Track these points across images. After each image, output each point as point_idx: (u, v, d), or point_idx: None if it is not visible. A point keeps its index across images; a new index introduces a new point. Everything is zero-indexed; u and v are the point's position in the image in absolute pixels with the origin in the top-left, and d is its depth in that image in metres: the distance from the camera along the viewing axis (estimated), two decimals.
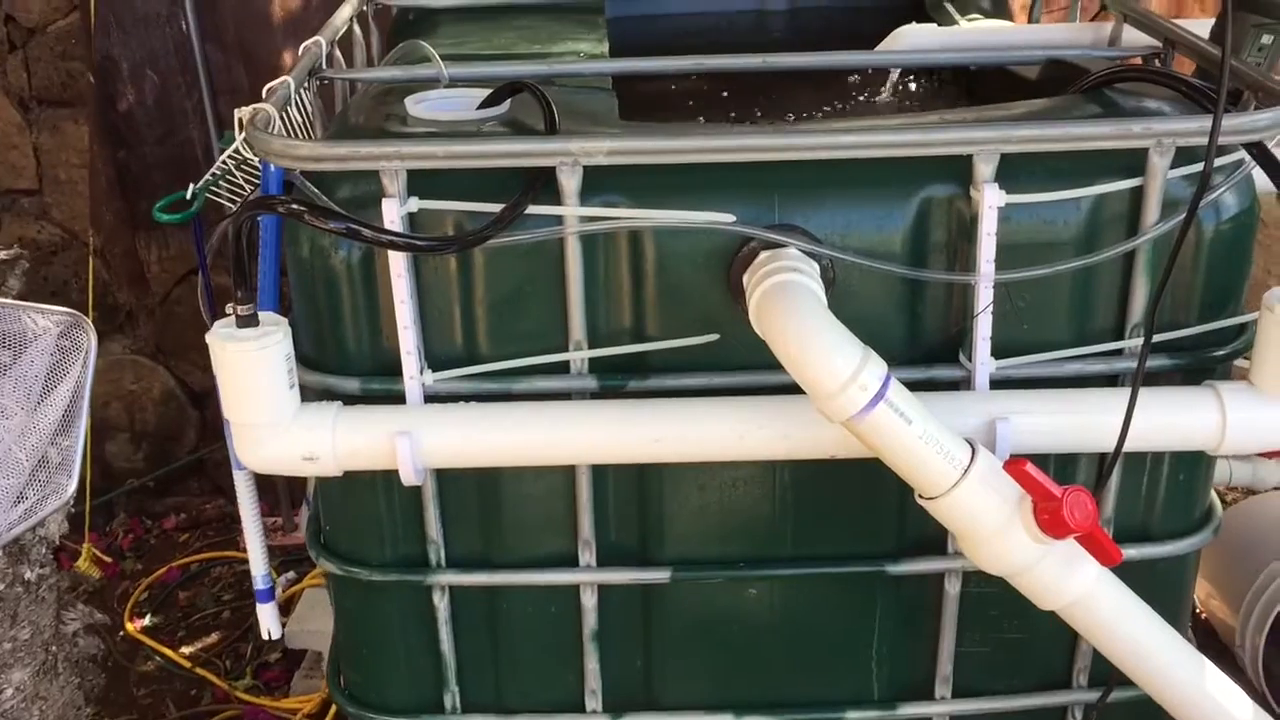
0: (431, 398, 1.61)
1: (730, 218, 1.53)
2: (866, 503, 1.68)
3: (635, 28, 2.64)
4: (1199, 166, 1.55)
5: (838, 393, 1.38)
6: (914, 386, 1.56)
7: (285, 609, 3.04)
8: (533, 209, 1.53)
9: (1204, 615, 3.07)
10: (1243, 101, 1.68)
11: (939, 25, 2.32)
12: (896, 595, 1.76)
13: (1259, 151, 1.53)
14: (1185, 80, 1.64)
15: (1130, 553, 1.72)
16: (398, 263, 1.53)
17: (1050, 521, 1.37)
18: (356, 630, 1.85)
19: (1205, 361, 1.64)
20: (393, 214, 1.52)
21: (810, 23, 2.71)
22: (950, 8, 2.41)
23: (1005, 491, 1.41)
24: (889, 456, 1.43)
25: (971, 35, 2.17)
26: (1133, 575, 1.67)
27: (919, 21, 2.40)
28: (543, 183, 1.53)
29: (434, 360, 1.61)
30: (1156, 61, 1.95)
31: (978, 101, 2.14)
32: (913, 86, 2.27)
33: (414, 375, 1.59)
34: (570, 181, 1.52)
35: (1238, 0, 1.82)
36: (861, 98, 2.24)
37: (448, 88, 1.85)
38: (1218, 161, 1.57)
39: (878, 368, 1.39)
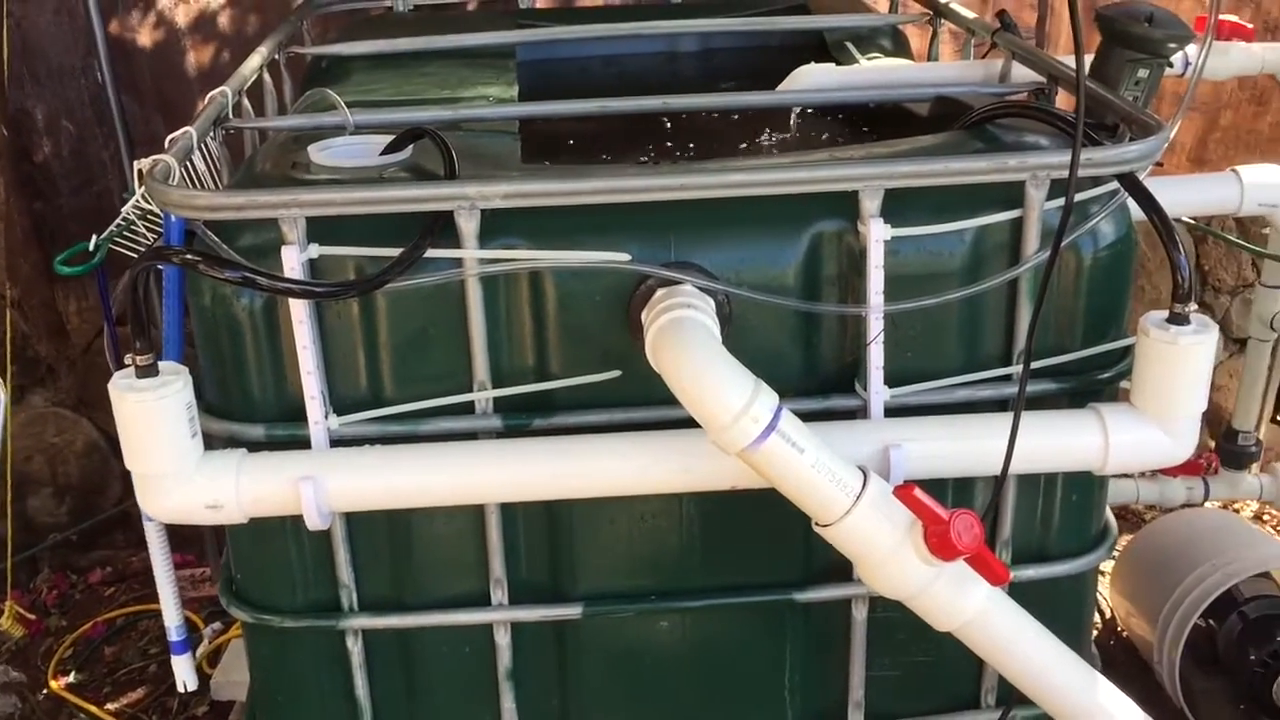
0: (337, 442, 1.62)
1: (626, 257, 1.57)
2: (772, 532, 1.72)
3: (547, 71, 2.69)
4: (1076, 197, 1.62)
5: (730, 425, 1.41)
6: (811, 416, 1.61)
7: (214, 659, 3.01)
8: (432, 252, 1.56)
9: (1125, 633, 3.14)
10: (1119, 134, 1.76)
11: (839, 64, 2.39)
12: (806, 623, 1.80)
13: (1129, 182, 1.60)
14: (1060, 115, 1.71)
15: (1028, 573, 1.77)
16: (298, 309, 1.55)
17: (939, 544, 1.41)
18: (271, 678, 1.85)
19: (1090, 385, 1.70)
20: (293, 261, 1.53)
21: (720, 63, 2.77)
22: (852, 48, 2.48)
23: (896, 517, 1.45)
24: (784, 486, 1.46)
25: (868, 74, 2.24)
26: (1032, 595, 1.73)
27: (823, 61, 2.48)
28: (441, 226, 1.56)
29: (339, 404, 1.63)
30: (1043, 97, 2.03)
31: (877, 138, 2.21)
32: (816, 124, 2.33)
33: (319, 420, 1.60)
34: (468, 224, 1.55)
35: (1113, 37, 1.90)
36: (766, 136, 2.30)
37: (353, 134, 1.88)
38: (1094, 192, 1.65)
39: (769, 399, 1.43)
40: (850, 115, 2.35)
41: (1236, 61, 2.32)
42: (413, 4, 2.93)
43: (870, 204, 1.58)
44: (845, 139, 2.25)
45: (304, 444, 1.61)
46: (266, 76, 2.27)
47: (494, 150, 1.85)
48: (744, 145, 2.27)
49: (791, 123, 2.27)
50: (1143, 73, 1.90)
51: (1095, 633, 2.62)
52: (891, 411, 1.66)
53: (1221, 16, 2.30)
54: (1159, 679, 2.87)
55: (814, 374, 1.68)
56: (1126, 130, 1.72)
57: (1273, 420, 2.93)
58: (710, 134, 2.30)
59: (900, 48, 2.57)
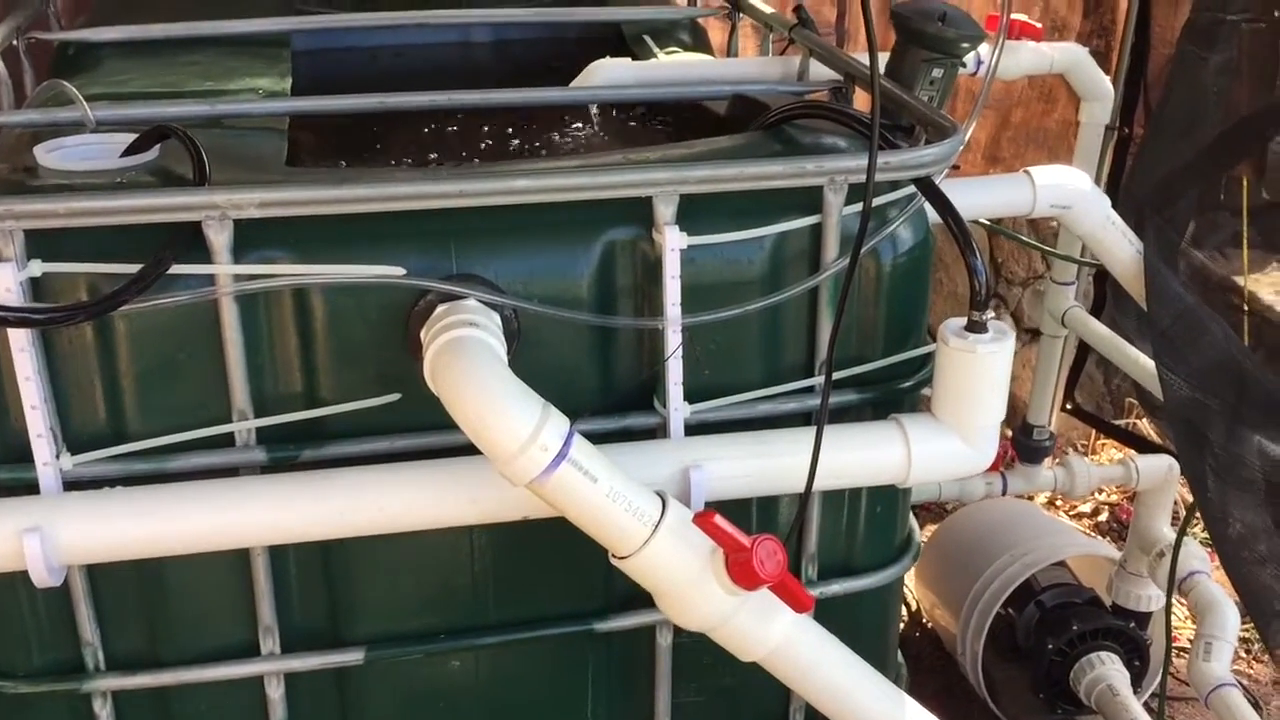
0: (74, 484, 1.43)
1: (400, 271, 1.43)
2: (568, 561, 1.61)
3: (328, 62, 2.50)
4: (875, 201, 1.57)
5: (517, 455, 1.30)
6: (608, 437, 1.51)
7: None
8: (179, 268, 1.38)
9: (930, 624, 3.19)
10: (915, 136, 1.72)
11: (636, 59, 2.30)
12: (608, 653, 1.70)
13: (926, 186, 1.56)
14: (856, 116, 1.65)
15: (833, 588, 1.72)
16: (18, 337, 1.35)
17: (741, 572, 1.33)
18: None
19: (892, 394, 1.66)
20: (9, 281, 1.33)
21: (516, 55, 2.63)
22: (650, 42, 2.39)
23: (697, 545, 1.36)
24: (577, 518, 1.36)
25: (664, 70, 2.15)
26: (837, 608, 1.68)
27: (621, 55, 2.39)
28: (189, 239, 1.39)
29: (75, 441, 1.43)
30: (841, 96, 1.98)
31: (676, 137, 2.13)
32: (612, 123, 2.23)
33: (47, 461, 1.40)
34: (219, 237, 1.38)
35: (909, 35, 1.86)
36: (560, 135, 2.19)
37: (94, 132, 1.66)
38: (891, 196, 1.60)
39: (559, 425, 1.32)
40: (648, 114, 2.26)
41: (1027, 61, 2.34)
42: None
43: (664, 210, 1.48)
44: (642, 139, 2.16)
45: (32, 488, 1.41)
46: (0, 66, 2.02)
47: (256, 151, 1.67)
48: (537, 144, 2.15)
49: (587, 121, 2.16)
50: (937, 72, 1.87)
51: (901, 624, 2.65)
52: (693, 429, 1.57)
53: (1012, 16, 2.32)
54: (962, 670, 2.92)
55: (611, 391, 1.58)
56: (923, 132, 1.68)
57: (1062, 409, 3.01)
58: (502, 133, 2.17)
59: (699, 42, 2.49)
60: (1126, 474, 2.66)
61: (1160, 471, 2.65)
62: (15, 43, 2.16)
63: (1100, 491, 3.75)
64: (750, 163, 1.49)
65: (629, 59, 2.15)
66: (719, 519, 1.35)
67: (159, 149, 1.57)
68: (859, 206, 1.56)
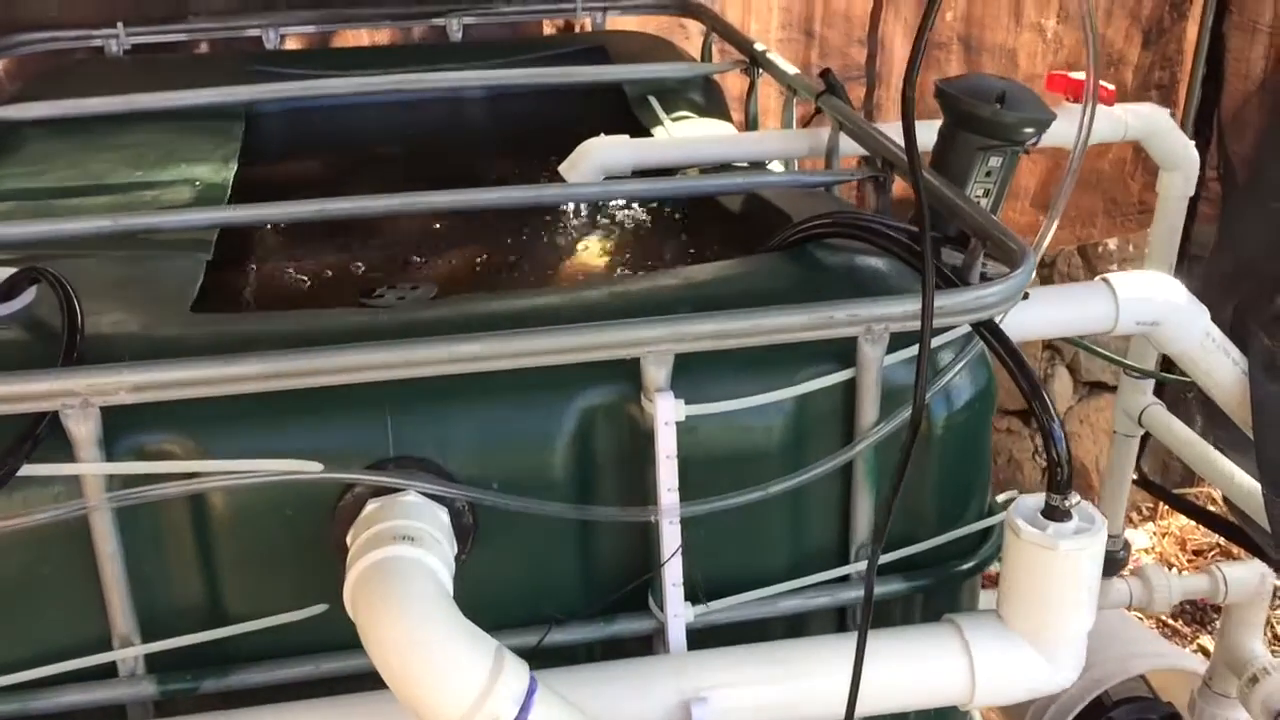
0: None
1: (316, 467, 1.12)
2: None
3: (299, 123, 2.21)
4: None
5: None
6: (590, 652, 1.20)
7: None
8: (31, 469, 1.08)
9: None
10: (970, 250, 1.39)
11: (642, 123, 1.98)
12: None
13: (990, 331, 1.23)
14: (902, 242, 1.32)
15: None
16: None
17: None
18: None
19: (948, 580, 1.33)
20: None
21: (506, 110, 2.33)
22: (656, 105, 2.07)
23: None
24: None
25: (670, 149, 1.83)
26: None
27: (624, 113, 2.07)
28: (45, 430, 1.09)
29: None
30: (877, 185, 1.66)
31: (683, 229, 1.81)
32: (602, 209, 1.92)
33: None
34: (81, 428, 1.08)
35: (960, 119, 1.54)
36: (550, 221, 1.87)
37: None
38: (946, 338, 1.28)
39: (514, 684, 1.01)
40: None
41: (1099, 128, 1.99)
42: (129, 43, 2.39)
43: (656, 374, 1.16)
44: (644, 228, 1.84)
45: None
46: None
47: (162, 283, 1.37)
48: (521, 237, 1.84)
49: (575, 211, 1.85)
50: (995, 161, 1.55)
51: None
52: (697, 634, 1.25)
53: (1080, 76, 1.98)
54: None
55: (593, 586, 1.26)
56: (979, 245, 1.36)
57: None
58: (480, 219, 1.86)
59: (712, 102, 2.17)
60: (1213, 586, 2.32)
61: (1252, 583, 2.30)
62: None
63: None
64: (766, 313, 1.16)
65: (625, 137, 1.82)
66: None
67: (33, 292, 1.27)
68: (902, 355, 1.24)
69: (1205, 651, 3.31)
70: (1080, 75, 1.98)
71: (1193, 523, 3.63)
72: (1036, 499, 1.22)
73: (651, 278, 1.38)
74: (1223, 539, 3.47)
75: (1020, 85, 1.53)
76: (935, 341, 1.26)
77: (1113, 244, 3.76)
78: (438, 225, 1.86)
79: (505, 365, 1.14)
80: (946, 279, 1.28)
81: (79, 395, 1.06)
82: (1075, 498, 1.19)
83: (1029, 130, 1.50)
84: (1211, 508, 3.11)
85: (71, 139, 1.89)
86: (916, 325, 1.19)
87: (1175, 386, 2.25)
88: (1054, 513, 1.19)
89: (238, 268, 1.75)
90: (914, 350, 1.25)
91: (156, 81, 2.04)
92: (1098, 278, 1.62)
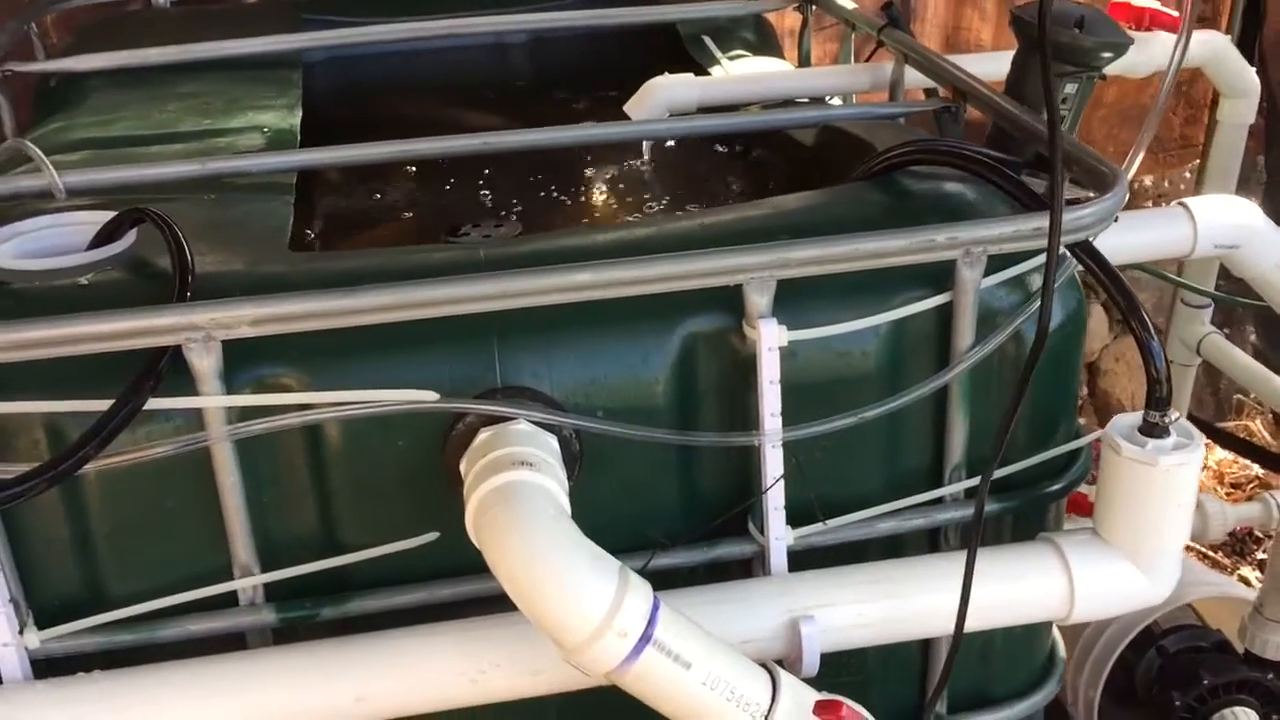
0: (45, 665, 1.16)
1: (432, 396, 1.14)
2: None
3: (347, 68, 2.21)
4: (1018, 269, 1.26)
5: (588, 643, 1.02)
6: (694, 576, 1.23)
7: None
8: (157, 403, 1.10)
9: None
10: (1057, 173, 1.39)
11: (698, 63, 1.98)
12: None
13: (1087, 252, 1.24)
14: (989, 165, 1.33)
15: None
16: None
17: None
18: None
19: (1037, 501, 1.35)
20: None
21: (554, 58, 2.33)
22: (710, 44, 2.07)
23: None
24: (667, 709, 1.07)
25: (734, 85, 1.84)
26: None
27: (673, 51, 2.07)
28: (168, 365, 1.11)
29: (45, 611, 1.17)
30: (947, 115, 1.66)
31: (749, 169, 1.82)
32: (677, 147, 1.92)
33: (8, 641, 1.13)
34: (204, 361, 1.10)
35: (1031, 45, 1.53)
36: (616, 165, 1.88)
37: (63, 208, 1.38)
38: (1035, 262, 1.28)
39: (640, 602, 1.03)
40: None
41: (1160, 55, 1.99)
42: None
43: (759, 300, 1.18)
44: (710, 171, 1.85)
45: None
46: None
47: (257, 224, 1.38)
48: (590, 176, 1.85)
49: (645, 151, 1.86)
50: (1070, 88, 1.55)
51: None
52: (797, 557, 1.28)
53: (1142, 2, 1.97)
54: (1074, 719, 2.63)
55: (695, 513, 1.29)
56: (1064, 171, 1.36)
57: None
58: (549, 159, 1.87)
59: (765, 41, 2.17)
60: (1266, 513, 2.34)
61: None
62: None
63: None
64: (865, 237, 1.18)
65: (690, 75, 1.83)
66: (847, 710, 1.06)
67: (135, 234, 1.28)
68: (999, 278, 1.25)
69: (1246, 581, 3.34)
70: (1145, 3, 1.97)
71: (1230, 456, 3.64)
72: (1133, 417, 1.24)
73: (740, 208, 1.39)
74: (1262, 471, 3.49)
75: (1096, 10, 1.53)
76: (1025, 265, 1.28)
77: (1148, 180, 3.75)
78: (500, 166, 1.87)
79: (615, 293, 1.15)
80: (1036, 202, 1.29)
81: (202, 329, 1.08)
82: (1174, 414, 1.21)
83: (1107, 55, 1.50)
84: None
85: (133, 89, 1.90)
86: (1015, 247, 1.21)
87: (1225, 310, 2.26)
88: (1153, 429, 1.21)
89: (310, 209, 1.77)
90: (1006, 274, 1.26)
91: (208, 32, 2.04)
92: (1174, 202, 1.63)
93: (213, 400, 1.11)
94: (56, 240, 1.29)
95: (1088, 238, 1.23)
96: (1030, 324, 1.28)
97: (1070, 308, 1.31)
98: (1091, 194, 1.27)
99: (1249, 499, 3.44)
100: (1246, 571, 3.47)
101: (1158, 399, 1.20)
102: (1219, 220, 1.61)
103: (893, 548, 1.33)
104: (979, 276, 1.22)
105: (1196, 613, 2.60)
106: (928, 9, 3.26)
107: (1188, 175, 3.47)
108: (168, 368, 1.10)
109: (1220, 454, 3.73)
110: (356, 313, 1.11)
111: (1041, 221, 1.19)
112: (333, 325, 1.11)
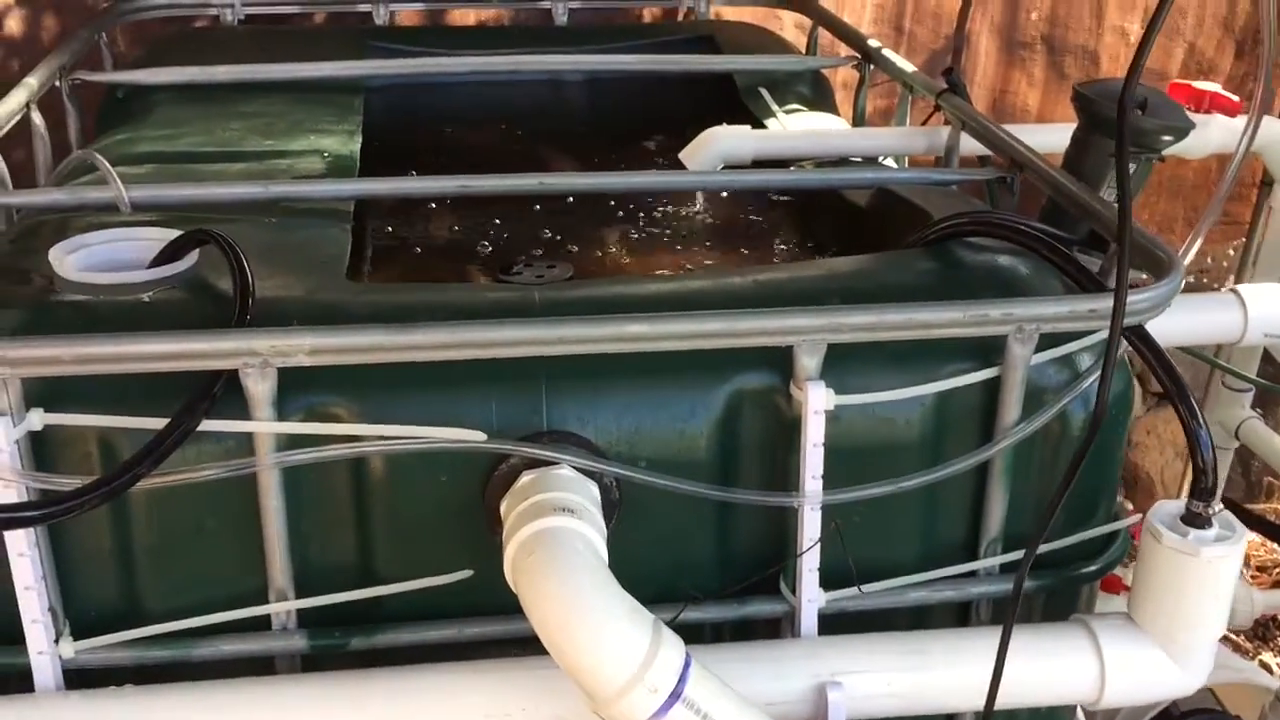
0: (77, 675, 1.17)
1: (480, 436, 1.15)
2: None
3: (408, 99, 2.24)
4: (1069, 348, 1.26)
5: (618, 696, 1.02)
6: (723, 632, 1.23)
7: None
8: (210, 425, 1.12)
9: None
10: (1110, 255, 1.40)
11: (754, 114, 2.00)
12: None
13: (1138, 335, 1.24)
14: (1046, 241, 1.34)
15: None
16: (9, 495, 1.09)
17: None
18: None
19: (1073, 582, 1.35)
20: (3, 439, 1.08)
21: (610, 98, 2.35)
22: (767, 96, 2.09)
23: None
24: None
25: (791, 141, 1.85)
26: None
27: (729, 101, 2.09)
28: (222, 388, 1.12)
29: (81, 621, 1.18)
30: (1003, 186, 1.67)
31: (803, 220, 1.83)
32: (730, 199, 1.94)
33: (44, 649, 1.15)
34: (259, 387, 1.12)
35: (1096, 123, 1.54)
36: (666, 209, 1.89)
37: (127, 223, 1.41)
38: (1085, 342, 1.29)
39: (674, 658, 1.03)
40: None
41: (1217, 138, 1.99)
42: (244, 14, 2.43)
43: (808, 363, 1.19)
44: (763, 217, 1.86)
45: (24, 679, 1.16)
46: (35, 116, 1.78)
47: (315, 250, 1.40)
48: (642, 218, 1.86)
49: (699, 200, 1.87)
50: (1130, 167, 1.55)
51: None
52: (827, 619, 1.27)
53: (1205, 88, 1.98)
54: None
55: (728, 568, 1.29)
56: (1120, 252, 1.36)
57: None
58: (602, 204, 1.88)
59: (820, 95, 2.19)
60: None
61: None
62: (58, 83, 1.92)
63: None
64: (920, 308, 1.18)
65: (747, 128, 1.84)
66: None
67: (197, 253, 1.31)
68: (1049, 354, 1.26)
69: (1266, 667, 3.30)
70: (1205, 86, 1.97)
71: (1257, 538, 3.60)
72: (1175, 505, 1.23)
73: (794, 267, 1.40)
74: None
75: (1159, 92, 1.54)
76: (1075, 345, 1.28)
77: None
78: (551, 199, 1.88)
79: (668, 347, 1.16)
80: (1093, 283, 1.29)
81: (260, 355, 1.10)
82: (1217, 505, 1.20)
83: (1168, 139, 1.50)
84: None
85: (199, 105, 1.93)
86: (1071, 327, 1.21)
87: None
88: (1195, 519, 1.20)
89: (362, 230, 1.79)
90: (1056, 351, 1.26)
91: (274, 52, 2.08)
92: (1225, 288, 1.63)
93: (265, 426, 1.12)
94: (121, 255, 1.31)
95: (1143, 321, 1.23)
96: (1076, 403, 1.28)
97: (1119, 390, 1.31)
98: (1145, 276, 1.27)
99: (1275, 584, 3.41)
100: (1268, 657, 3.43)
101: (1203, 489, 1.19)
102: (1271, 309, 1.61)
103: (920, 617, 1.33)
104: (1030, 353, 1.22)
105: (1216, 697, 2.57)
106: (977, 71, 3.28)
107: (1231, 252, 3.45)
108: (222, 390, 1.12)
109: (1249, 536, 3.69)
110: (413, 349, 1.12)
111: (1098, 303, 1.19)
112: (389, 360, 1.12)
